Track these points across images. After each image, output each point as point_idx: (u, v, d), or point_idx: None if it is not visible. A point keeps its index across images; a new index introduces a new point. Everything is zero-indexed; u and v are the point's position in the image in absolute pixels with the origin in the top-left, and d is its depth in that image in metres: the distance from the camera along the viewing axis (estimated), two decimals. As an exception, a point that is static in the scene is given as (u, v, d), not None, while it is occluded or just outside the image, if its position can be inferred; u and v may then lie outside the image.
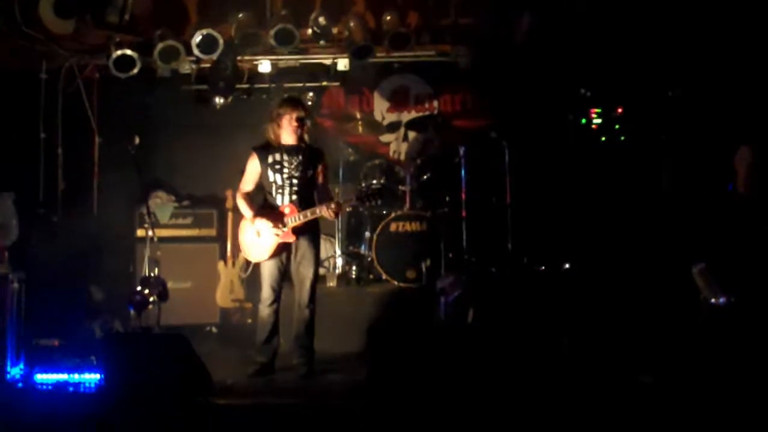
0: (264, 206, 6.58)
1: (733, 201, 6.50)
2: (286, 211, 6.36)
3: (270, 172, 6.44)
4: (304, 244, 6.46)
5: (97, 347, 6.08)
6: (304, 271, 6.48)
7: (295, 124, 6.41)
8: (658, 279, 7.39)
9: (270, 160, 6.45)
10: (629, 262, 7.91)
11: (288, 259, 6.50)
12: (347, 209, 6.40)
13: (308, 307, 6.56)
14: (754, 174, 6.13)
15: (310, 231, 6.49)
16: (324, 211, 6.27)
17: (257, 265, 6.73)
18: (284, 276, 6.54)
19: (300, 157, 6.42)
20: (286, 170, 6.40)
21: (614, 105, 8.59)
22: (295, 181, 6.41)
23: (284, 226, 6.33)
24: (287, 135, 6.47)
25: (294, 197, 6.40)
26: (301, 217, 6.32)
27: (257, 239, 6.44)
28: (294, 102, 6.58)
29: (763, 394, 5.12)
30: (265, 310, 6.52)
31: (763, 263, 5.76)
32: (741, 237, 6.21)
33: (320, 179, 6.59)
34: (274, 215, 6.39)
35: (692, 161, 8.24)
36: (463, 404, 5.16)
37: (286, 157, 6.42)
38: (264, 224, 6.37)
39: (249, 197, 6.57)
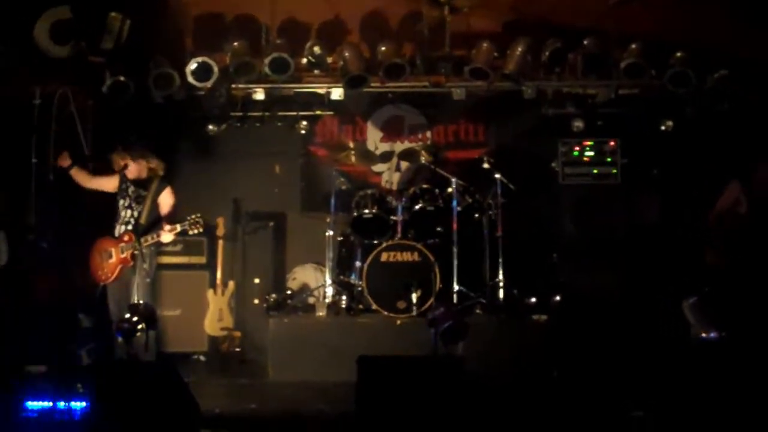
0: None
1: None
2: (125, 238, 7.03)
3: (119, 199, 7.23)
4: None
5: (85, 375, 6.03)
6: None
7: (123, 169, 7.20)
8: (649, 313, 7.38)
9: (122, 186, 7.26)
10: (620, 296, 7.90)
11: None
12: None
13: None
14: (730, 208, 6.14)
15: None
16: (158, 236, 6.90)
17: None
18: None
19: (141, 190, 7.17)
20: (127, 199, 7.19)
21: (607, 138, 8.61)
22: (133, 211, 7.17)
23: (122, 252, 7.00)
24: None
25: (130, 226, 7.12)
26: (141, 242, 6.92)
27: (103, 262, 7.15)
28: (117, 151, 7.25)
29: (754, 429, 5.10)
30: None
31: (754, 298, 5.75)
32: (733, 271, 6.20)
33: (164, 211, 7.20)
34: (116, 240, 7.12)
35: (683, 193, 8.26)
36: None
37: (132, 188, 7.21)
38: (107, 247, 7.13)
39: None
